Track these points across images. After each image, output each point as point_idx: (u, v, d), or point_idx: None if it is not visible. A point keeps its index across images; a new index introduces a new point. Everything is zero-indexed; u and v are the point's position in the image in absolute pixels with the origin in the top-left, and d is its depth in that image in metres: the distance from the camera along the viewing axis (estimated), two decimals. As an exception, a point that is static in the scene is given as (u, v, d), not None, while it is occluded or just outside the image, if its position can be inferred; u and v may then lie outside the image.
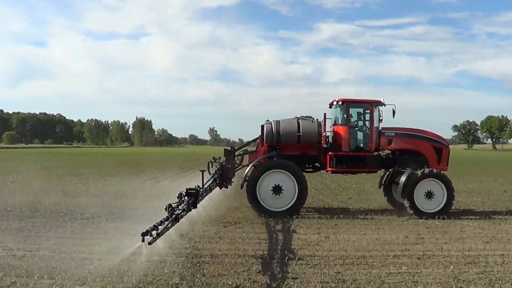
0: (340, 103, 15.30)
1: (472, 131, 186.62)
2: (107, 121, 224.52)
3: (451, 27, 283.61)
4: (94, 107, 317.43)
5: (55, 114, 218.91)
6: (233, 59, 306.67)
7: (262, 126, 15.35)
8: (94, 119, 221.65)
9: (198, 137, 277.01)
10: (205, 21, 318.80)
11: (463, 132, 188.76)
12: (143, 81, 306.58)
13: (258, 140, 15.77)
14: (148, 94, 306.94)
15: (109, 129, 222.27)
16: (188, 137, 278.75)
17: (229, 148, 15.75)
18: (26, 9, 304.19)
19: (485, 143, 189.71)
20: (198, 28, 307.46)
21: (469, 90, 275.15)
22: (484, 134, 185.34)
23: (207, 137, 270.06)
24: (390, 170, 15.86)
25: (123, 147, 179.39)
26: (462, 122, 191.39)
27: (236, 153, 15.89)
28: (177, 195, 10.32)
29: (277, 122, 15.21)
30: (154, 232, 7.72)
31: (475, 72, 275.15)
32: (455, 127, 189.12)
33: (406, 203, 14.30)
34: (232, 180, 15.29)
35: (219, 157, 15.76)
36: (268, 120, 15.48)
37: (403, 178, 14.47)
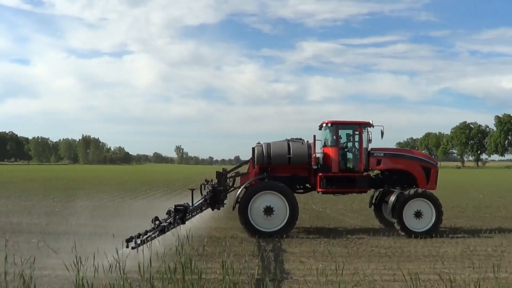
0: (329, 125, 15.61)
1: (416, 148, 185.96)
2: (63, 139, 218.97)
3: (433, 45, 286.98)
4: (77, 125, 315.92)
5: (7, 131, 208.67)
6: (217, 77, 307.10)
7: (253, 149, 15.58)
8: (40, 136, 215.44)
9: (163, 155, 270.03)
10: (188, 39, 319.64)
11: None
12: (126, 99, 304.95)
13: (249, 162, 16.02)
14: (132, 112, 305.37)
15: (58, 147, 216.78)
16: (152, 154, 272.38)
17: (221, 170, 15.95)
18: (8, 26, 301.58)
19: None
20: (181, 47, 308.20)
21: (453, 108, 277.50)
22: (423, 151, 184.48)
23: (174, 155, 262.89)
24: (380, 189, 16.11)
25: (61, 164, 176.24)
26: (405, 139, 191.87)
27: (228, 175, 16.09)
28: (166, 211, 10.74)
29: (268, 145, 15.46)
30: (138, 240, 8.42)
31: (458, 89, 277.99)
32: (399, 144, 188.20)
33: (396, 222, 14.56)
34: (224, 202, 15.47)
35: (211, 179, 15.97)
36: (259, 143, 15.72)
37: (392, 198, 14.74)
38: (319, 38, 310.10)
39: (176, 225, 10.53)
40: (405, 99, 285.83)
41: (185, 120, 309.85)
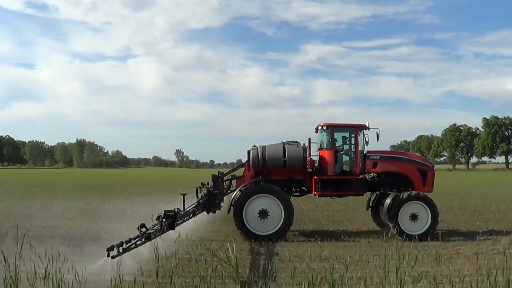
0: (325, 127, 15.58)
1: (409, 151, 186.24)
2: (59, 143, 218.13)
3: (437, 48, 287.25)
4: (81, 129, 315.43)
5: (3, 135, 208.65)
6: (221, 80, 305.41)
7: (249, 152, 15.48)
8: (35, 140, 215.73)
9: (162, 158, 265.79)
10: (192, 43, 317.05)
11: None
12: (131, 103, 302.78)
13: (245, 165, 15.91)
14: (136, 116, 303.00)
15: (54, 151, 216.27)
16: (151, 158, 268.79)
17: (217, 174, 15.81)
18: (12, 31, 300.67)
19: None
20: (185, 50, 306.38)
21: (458, 110, 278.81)
22: (416, 153, 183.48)
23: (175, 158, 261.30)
24: (377, 192, 16.07)
25: (54, 168, 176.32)
26: (399, 142, 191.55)
27: (224, 178, 15.96)
28: (156, 217, 10.66)
29: (263, 148, 15.37)
30: (120, 248, 8.15)
31: (463, 92, 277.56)
32: (393, 147, 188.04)
33: (391, 225, 14.53)
34: (221, 205, 15.33)
35: (207, 183, 15.83)
36: (254, 146, 15.63)
37: (388, 201, 14.74)
38: (323, 41, 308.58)
39: (163, 231, 10.30)
40: (409, 101, 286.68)
41: (189, 123, 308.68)
